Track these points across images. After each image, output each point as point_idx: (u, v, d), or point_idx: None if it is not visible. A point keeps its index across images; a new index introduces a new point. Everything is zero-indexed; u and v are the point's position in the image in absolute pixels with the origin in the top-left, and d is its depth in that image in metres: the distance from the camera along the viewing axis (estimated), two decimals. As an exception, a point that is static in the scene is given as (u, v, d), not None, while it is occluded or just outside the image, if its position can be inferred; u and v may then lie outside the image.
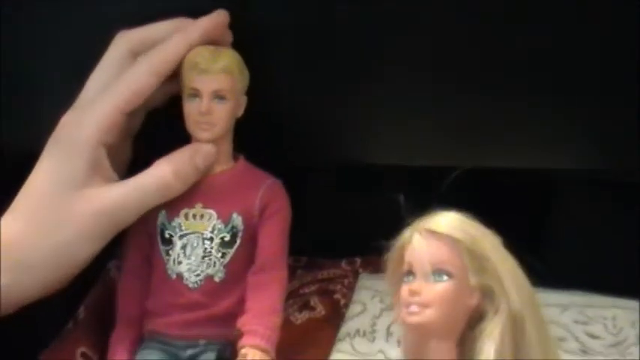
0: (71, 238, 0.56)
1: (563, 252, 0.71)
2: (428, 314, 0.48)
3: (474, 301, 0.49)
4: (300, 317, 0.69)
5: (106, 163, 0.58)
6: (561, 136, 0.65)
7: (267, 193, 0.61)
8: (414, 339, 0.50)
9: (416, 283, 0.48)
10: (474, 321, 0.49)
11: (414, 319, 0.48)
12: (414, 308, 0.48)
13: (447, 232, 0.49)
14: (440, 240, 0.49)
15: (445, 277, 0.48)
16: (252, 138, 0.65)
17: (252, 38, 0.62)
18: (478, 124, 0.65)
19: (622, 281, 0.67)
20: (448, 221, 0.49)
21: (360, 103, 0.66)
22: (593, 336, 0.65)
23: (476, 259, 0.49)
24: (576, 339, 0.64)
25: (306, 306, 0.69)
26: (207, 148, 0.59)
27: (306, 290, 0.71)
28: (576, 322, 0.66)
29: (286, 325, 0.65)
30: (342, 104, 0.66)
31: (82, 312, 0.68)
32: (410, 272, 0.49)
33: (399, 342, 0.65)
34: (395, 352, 0.64)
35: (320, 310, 0.69)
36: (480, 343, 0.48)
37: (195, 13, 0.61)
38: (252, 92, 0.62)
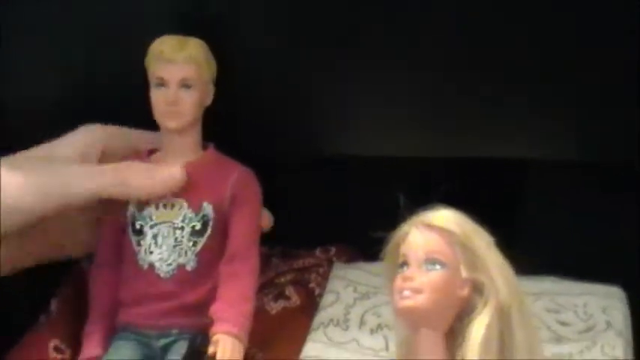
0: None
1: (539, 239, 0.71)
2: (420, 299, 0.48)
3: (464, 292, 0.49)
4: (275, 307, 0.69)
5: None
6: (539, 126, 0.66)
7: (238, 182, 0.61)
8: (405, 330, 0.51)
9: (409, 271, 0.49)
10: (464, 314, 0.50)
11: (406, 302, 0.48)
12: (406, 293, 0.49)
13: (442, 226, 0.50)
14: (435, 232, 0.50)
15: (438, 267, 0.49)
16: (227, 128, 0.65)
17: (226, 28, 0.62)
18: (456, 114, 0.65)
19: (598, 268, 0.67)
20: (444, 216, 0.50)
21: (338, 94, 0.66)
22: (564, 324, 0.65)
23: (468, 253, 0.50)
24: (548, 328, 0.65)
25: (281, 295, 0.69)
26: None
27: (282, 280, 0.71)
28: (548, 310, 0.66)
29: (262, 314, 0.66)
30: (319, 95, 0.66)
31: (53, 305, 0.67)
32: (404, 263, 0.50)
33: (372, 330, 0.65)
34: (368, 340, 0.64)
35: (295, 300, 0.69)
36: (468, 332, 0.48)
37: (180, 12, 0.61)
38: (228, 83, 0.62)
